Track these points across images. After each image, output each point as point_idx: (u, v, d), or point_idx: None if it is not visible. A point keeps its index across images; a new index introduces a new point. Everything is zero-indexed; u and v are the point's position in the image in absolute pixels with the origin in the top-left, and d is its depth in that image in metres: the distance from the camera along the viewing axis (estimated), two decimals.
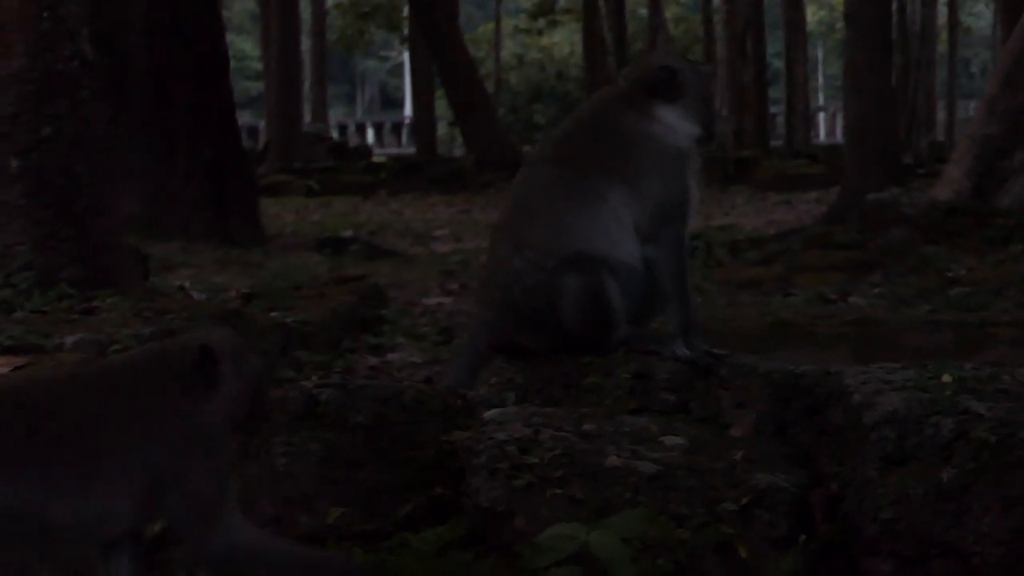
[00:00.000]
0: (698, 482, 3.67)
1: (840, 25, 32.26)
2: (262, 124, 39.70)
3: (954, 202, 12.16)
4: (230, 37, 19.79)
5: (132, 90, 14.30)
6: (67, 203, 7.63)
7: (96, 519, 3.00)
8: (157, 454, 3.03)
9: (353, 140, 44.94)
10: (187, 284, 9.28)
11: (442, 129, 41.20)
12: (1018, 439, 3.51)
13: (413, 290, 10.44)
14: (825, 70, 62.30)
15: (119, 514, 3.03)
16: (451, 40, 28.57)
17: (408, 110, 49.64)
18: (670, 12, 42.42)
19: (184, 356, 3.10)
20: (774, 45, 38.96)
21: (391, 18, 41.71)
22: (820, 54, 60.38)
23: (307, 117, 37.31)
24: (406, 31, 38.33)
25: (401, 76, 58.92)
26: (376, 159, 32.54)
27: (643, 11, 40.02)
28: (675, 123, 4.42)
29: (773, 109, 37.67)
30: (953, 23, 37.67)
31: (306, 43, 38.46)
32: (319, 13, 38.49)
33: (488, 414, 3.98)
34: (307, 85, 39.09)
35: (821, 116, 52.55)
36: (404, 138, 50.68)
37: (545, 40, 46.29)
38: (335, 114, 55.99)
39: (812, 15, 50.02)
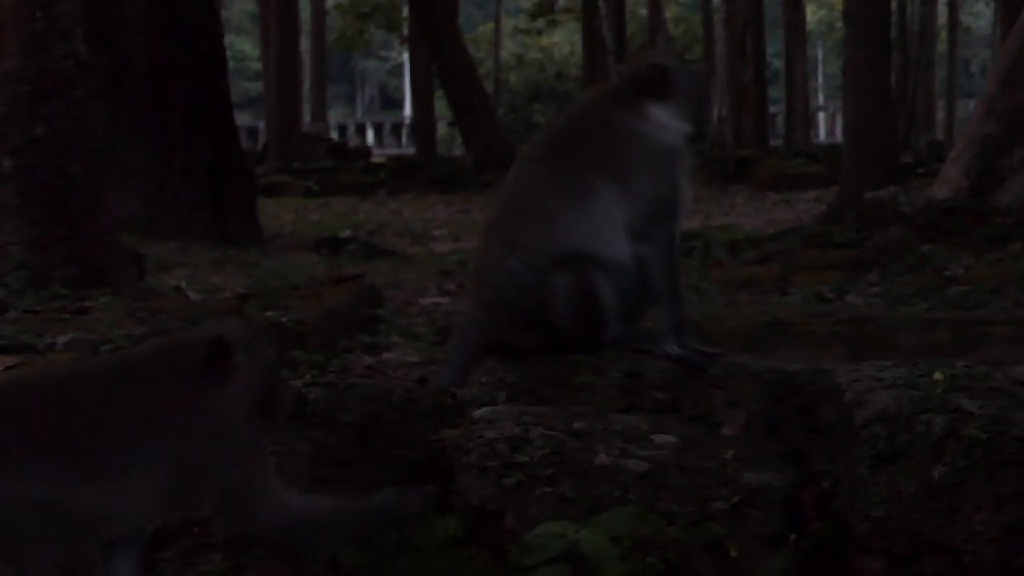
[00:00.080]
0: (689, 480, 3.66)
1: (840, 25, 32.22)
2: (261, 124, 39.71)
3: (952, 201, 12.14)
4: (229, 37, 19.80)
5: (130, 90, 14.30)
6: (61, 203, 7.62)
7: (121, 510, 3.04)
8: (180, 444, 3.09)
9: (353, 140, 44.95)
10: (183, 284, 9.28)
11: (442, 129, 41.23)
12: (1009, 437, 3.49)
13: (410, 290, 10.43)
14: (825, 70, 62.30)
15: (144, 505, 3.07)
16: (451, 40, 28.58)
17: (408, 110, 49.63)
18: (670, 12, 42.44)
19: (198, 348, 3.14)
20: (774, 45, 38.95)
21: (391, 18, 41.74)
22: (820, 54, 60.38)
23: (307, 117, 37.34)
24: (406, 31, 38.36)
25: (401, 76, 58.92)
26: (375, 159, 32.56)
27: (643, 11, 40.05)
28: (666, 121, 4.40)
29: (773, 109, 37.67)
30: (953, 22, 37.68)
31: (305, 43, 38.46)
32: (319, 13, 38.50)
33: (478, 413, 3.96)
34: (307, 85, 39.11)
35: (821, 116, 52.54)
36: (404, 139, 50.67)
37: (545, 40, 46.31)
38: (335, 114, 56.00)
39: (812, 15, 50.01)
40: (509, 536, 3.56)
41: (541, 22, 43.63)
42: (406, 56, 41.78)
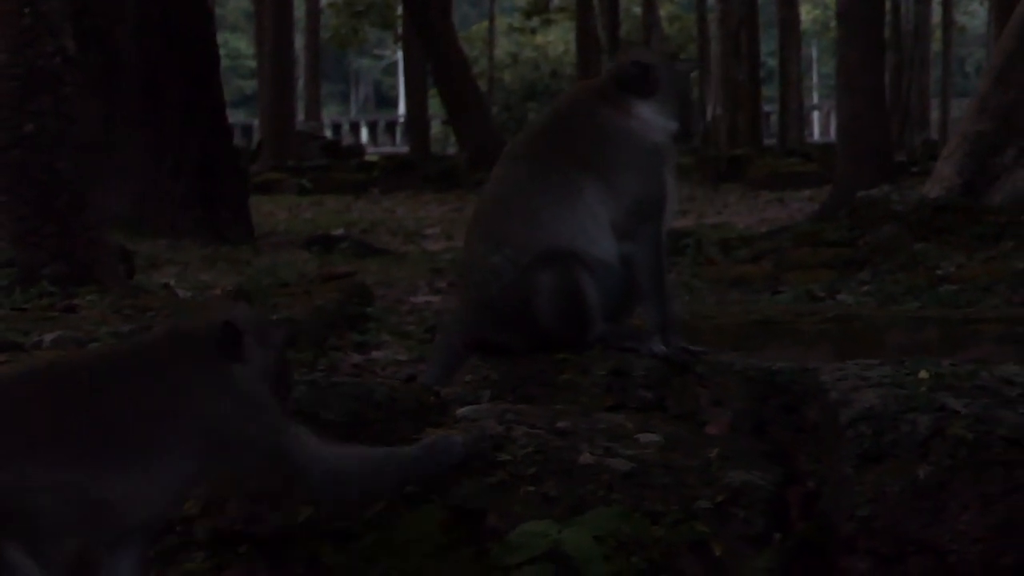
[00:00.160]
0: (673, 479, 3.63)
1: (834, 24, 32.28)
2: (256, 122, 39.68)
3: (944, 199, 12.14)
4: (224, 35, 19.77)
5: (122, 87, 14.29)
6: (49, 200, 7.60)
7: (147, 494, 3.06)
8: (206, 422, 3.13)
9: (347, 139, 44.95)
10: (172, 282, 9.26)
11: (436, 128, 41.20)
12: (995, 436, 3.48)
13: (401, 288, 10.42)
14: (819, 69, 62.30)
15: (169, 488, 3.11)
16: (445, 38, 28.54)
17: (402, 109, 49.62)
18: (664, 10, 42.44)
19: (209, 332, 3.20)
20: (768, 44, 39.01)
21: (385, 16, 41.70)
22: (814, 53, 60.39)
23: (301, 115, 37.28)
24: (400, 29, 38.34)
25: (395, 75, 58.90)
26: (369, 157, 32.53)
27: (637, 9, 40.07)
28: (651, 118, 4.38)
29: (767, 107, 37.70)
30: (948, 22, 37.70)
31: (300, 41, 38.45)
32: (313, 11, 38.45)
33: (461, 411, 3.94)
34: (301, 83, 39.06)
35: (815, 115, 52.56)
36: (398, 137, 50.64)
37: (539, 38, 46.32)
38: (329, 112, 55.96)
39: (806, 14, 50.05)
40: (492, 535, 3.53)
41: (535, 20, 43.62)
42: (400, 54, 41.80)
